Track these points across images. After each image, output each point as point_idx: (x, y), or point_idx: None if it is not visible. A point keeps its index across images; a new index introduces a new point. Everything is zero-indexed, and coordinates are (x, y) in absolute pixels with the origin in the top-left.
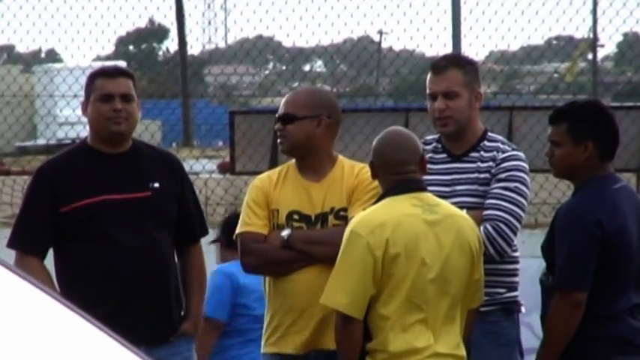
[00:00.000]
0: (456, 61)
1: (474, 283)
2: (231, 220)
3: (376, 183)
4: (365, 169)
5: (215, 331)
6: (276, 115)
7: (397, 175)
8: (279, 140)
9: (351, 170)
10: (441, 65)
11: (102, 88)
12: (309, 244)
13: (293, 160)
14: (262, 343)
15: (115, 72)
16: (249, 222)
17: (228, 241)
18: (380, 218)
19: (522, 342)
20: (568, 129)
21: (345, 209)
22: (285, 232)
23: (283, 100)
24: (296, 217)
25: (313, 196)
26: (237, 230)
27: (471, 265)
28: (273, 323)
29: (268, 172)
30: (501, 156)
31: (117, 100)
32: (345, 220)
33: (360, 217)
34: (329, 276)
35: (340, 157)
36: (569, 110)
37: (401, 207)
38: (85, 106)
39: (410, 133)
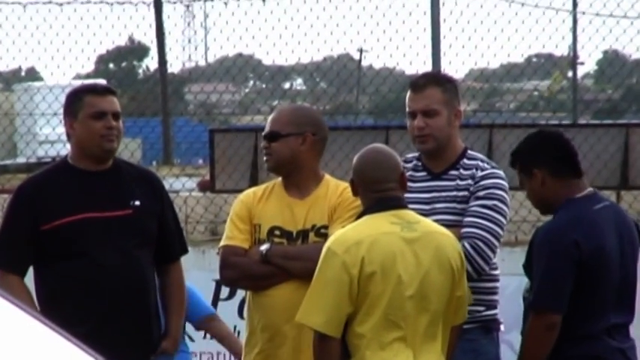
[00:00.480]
0: (435, 79)
1: (455, 300)
2: None
3: (359, 202)
4: (349, 188)
5: None
6: (262, 134)
7: (377, 192)
8: (265, 158)
9: (336, 189)
10: (420, 83)
11: (94, 105)
12: (287, 260)
13: (279, 178)
14: (242, 358)
15: (105, 90)
16: (231, 236)
17: None
18: (357, 236)
19: None
20: (520, 167)
21: (326, 227)
22: (264, 247)
23: (269, 119)
24: (277, 232)
25: (296, 213)
26: (220, 244)
27: (451, 282)
28: (252, 340)
29: (254, 188)
30: (480, 174)
31: (110, 118)
32: (326, 237)
33: (337, 236)
34: (305, 292)
35: (327, 176)
36: (516, 151)
37: (379, 225)
38: (70, 123)
39: (390, 151)
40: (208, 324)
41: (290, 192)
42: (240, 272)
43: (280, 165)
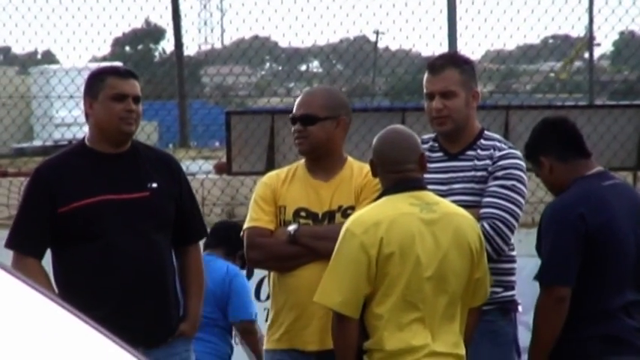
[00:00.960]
0: (452, 60)
1: (474, 282)
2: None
3: None
4: None
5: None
6: (292, 116)
7: (396, 173)
8: (297, 141)
9: (360, 170)
10: (437, 65)
11: (115, 87)
12: (315, 239)
13: (302, 160)
14: (266, 339)
15: (127, 73)
16: (256, 217)
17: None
18: (375, 217)
19: (520, 341)
20: (532, 161)
21: (353, 207)
22: (292, 227)
23: (299, 101)
24: (303, 214)
25: (322, 195)
26: (244, 226)
27: (470, 263)
28: (278, 320)
29: (277, 171)
30: (498, 154)
31: (130, 101)
32: None
33: (356, 216)
34: None
35: (350, 158)
36: (525, 145)
37: (398, 206)
38: (89, 104)
39: (410, 132)
40: (243, 329)
41: (314, 174)
42: (267, 253)
43: (315, 148)
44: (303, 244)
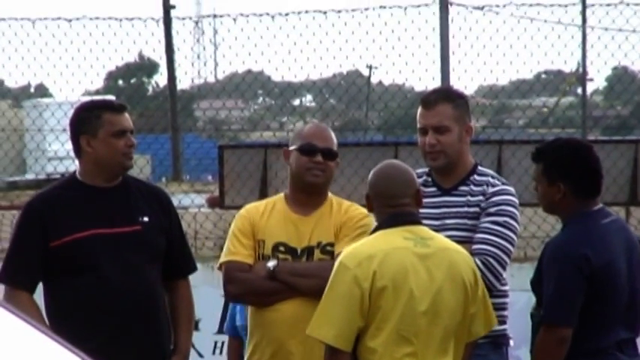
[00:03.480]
0: (446, 95)
1: (469, 317)
2: None
3: (366, 220)
4: (354, 207)
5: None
6: (311, 148)
7: (391, 207)
8: (314, 172)
9: (340, 206)
10: (431, 99)
11: (115, 123)
12: (295, 276)
13: (281, 194)
14: None
15: (121, 107)
16: (235, 251)
17: None
18: (369, 251)
19: None
20: (543, 169)
21: (331, 244)
22: (272, 263)
23: (317, 133)
24: (282, 249)
25: (301, 230)
26: (222, 259)
27: (464, 298)
28: (256, 354)
29: (255, 203)
30: (491, 190)
31: (129, 135)
32: (331, 254)
33: (350, 250)
34: (312, 308)
35: (329, 194)
36: (546, 150)
37: (392, 240)
38: (87, 141)
39: (406, 167)
40: None
41: (295, 209)
42: (246, 288)
43: (328, 183)
44: (283, 281)
